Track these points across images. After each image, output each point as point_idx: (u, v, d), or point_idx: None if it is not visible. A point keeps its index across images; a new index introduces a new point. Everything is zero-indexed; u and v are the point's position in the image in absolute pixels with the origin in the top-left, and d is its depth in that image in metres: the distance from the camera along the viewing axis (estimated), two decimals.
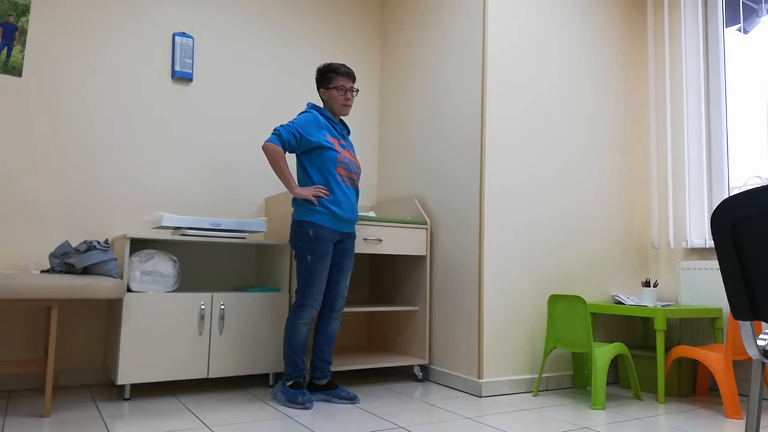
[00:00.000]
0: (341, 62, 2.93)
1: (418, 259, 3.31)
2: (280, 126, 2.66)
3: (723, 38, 3.33)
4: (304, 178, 2.72)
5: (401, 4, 3.80)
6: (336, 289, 2.75)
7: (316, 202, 2.62)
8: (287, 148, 2.65)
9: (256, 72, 3.55)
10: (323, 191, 2.64)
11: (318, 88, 2.83)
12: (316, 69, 2.83)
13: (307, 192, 2.62)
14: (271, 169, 3.53)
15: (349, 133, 2.90)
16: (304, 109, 2.80)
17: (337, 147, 2.72)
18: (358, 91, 2.82)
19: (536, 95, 3.16)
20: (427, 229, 3.25)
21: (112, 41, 3.16)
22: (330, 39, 3.82)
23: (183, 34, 3.31)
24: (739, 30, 3.32)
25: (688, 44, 3.40)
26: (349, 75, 2.77)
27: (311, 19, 3.76)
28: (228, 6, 3.49)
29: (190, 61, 3.31)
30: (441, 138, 3.28)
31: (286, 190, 3.56)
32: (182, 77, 3.29)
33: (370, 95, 3.93)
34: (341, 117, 2.85)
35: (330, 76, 2.76)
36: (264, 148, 2.63)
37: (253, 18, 3.57)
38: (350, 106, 2.79)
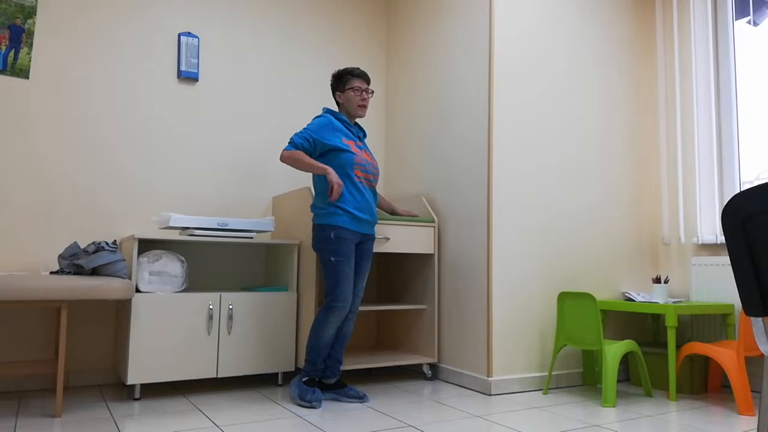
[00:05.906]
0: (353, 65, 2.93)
1: (426, 258, 3.30)
2: (294, 134, 2.70)
3: (733, 30, 3.29)
4: (321, 181, 2.70)
5: (407, 1, 3.79)
6: (354, 289, 2.75)
7: (332, 195, 2.59)
8: (302, 150, 2.68)
9: (262, 71, 3.55)
10: (340, 190, 2.60)
11: (334, 93, 2.83)
12: (331, 75, 2.84)
13: (336, 180, 2.57)
14: (279, 170, 3.54)
15: (365, 135, 2.89)
16: (319, 114, 2.80)
17: (354, 149, 2.71)
18: (373, 92, 2.84)
19: (543, 93, 3.14)
20: (434, 227, 3.23)
21: (118, 42, 3.17)
22: (336, 38, 3.82)
23: (188, 34, 3.31)
24: (749, 22, 3.28)
25: (698, 36, 3.36)
26: (364, 77, 2.82)
27: (317, 19, 3.76)
28: (233, 6, 3.49)
29: (196, 61, 3.32)
30: (448, 136, 3.27)
31: (293, 189, 3.56)
32: (188, 77, 3.30)
33: (376, 93, 3.92)
34: (357, 120, 2.84)
35: (346, 78, 2.80)
36: (282, 158, 2.67)
37: (259, 17, 3.57)
38: (366, 107, 2.81)
